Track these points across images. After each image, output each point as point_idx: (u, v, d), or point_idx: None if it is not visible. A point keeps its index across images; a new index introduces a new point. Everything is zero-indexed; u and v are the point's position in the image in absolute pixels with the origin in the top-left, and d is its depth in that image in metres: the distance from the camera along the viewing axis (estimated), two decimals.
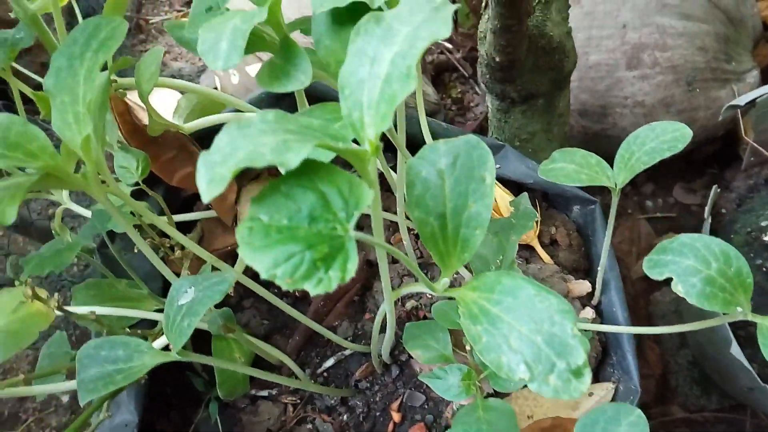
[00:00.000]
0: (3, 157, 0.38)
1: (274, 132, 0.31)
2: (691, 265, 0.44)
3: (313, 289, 0.28)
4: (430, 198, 0.38)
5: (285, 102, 0.67)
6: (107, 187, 0.44)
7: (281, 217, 0.30)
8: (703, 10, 0.96)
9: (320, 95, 0.64)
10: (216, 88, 1.10)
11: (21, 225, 0.85)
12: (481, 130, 1.19)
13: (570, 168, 0.50)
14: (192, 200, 0.72)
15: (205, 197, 0.29)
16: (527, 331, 0.33)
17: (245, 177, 0.68)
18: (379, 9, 0.42)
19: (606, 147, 1.05)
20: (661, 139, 0.47)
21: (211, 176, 0.29)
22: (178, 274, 0.67)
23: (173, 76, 1.43)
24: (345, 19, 0.42)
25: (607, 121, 1.00)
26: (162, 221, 0.49)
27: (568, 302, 0.34)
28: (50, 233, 0.65)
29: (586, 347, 0.32)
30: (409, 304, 0.69)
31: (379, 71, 0.33)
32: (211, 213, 0.64)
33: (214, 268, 0.57)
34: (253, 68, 1.02)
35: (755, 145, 0.93)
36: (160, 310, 0.65)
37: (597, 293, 0.65)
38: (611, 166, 0.50)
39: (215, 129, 0.65)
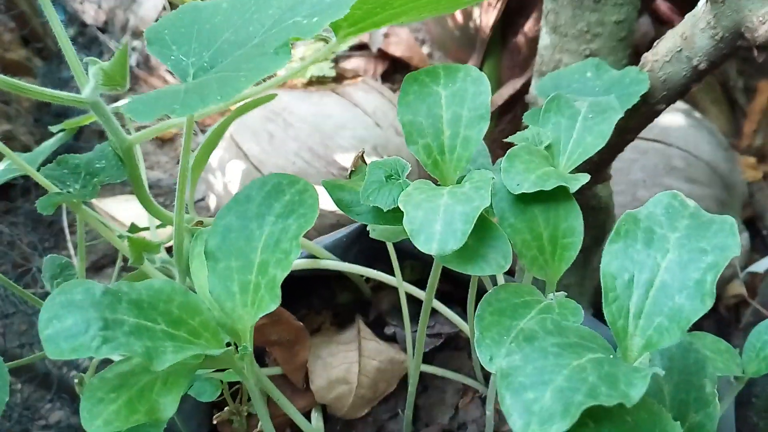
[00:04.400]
0: (169, 337, 0.31)
1: (572, 349, 0.27)
2: None
3: None
4: None
5: (359, 244, 0.62)
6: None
7: None
8: (706, 175, 1.02)
9: (407, 251, 0.59)
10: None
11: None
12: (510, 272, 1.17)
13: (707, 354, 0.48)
14: None
15: None
16: None
17: (309, 325, 0.62)
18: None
19: None
20: None
21: (525, 408, 0.24)
22: None
23: (150, 187, 1.35)
24: (529, 197, 0.40)
25: None
26: (261, 406, 0.43)
27: None
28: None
29: None
30: None
31: (650, 278, 0.30)
32: (276, 370, 0.57)
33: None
34: None
35: (759, 307, 0.97)
36: None
37: None
38: None
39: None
